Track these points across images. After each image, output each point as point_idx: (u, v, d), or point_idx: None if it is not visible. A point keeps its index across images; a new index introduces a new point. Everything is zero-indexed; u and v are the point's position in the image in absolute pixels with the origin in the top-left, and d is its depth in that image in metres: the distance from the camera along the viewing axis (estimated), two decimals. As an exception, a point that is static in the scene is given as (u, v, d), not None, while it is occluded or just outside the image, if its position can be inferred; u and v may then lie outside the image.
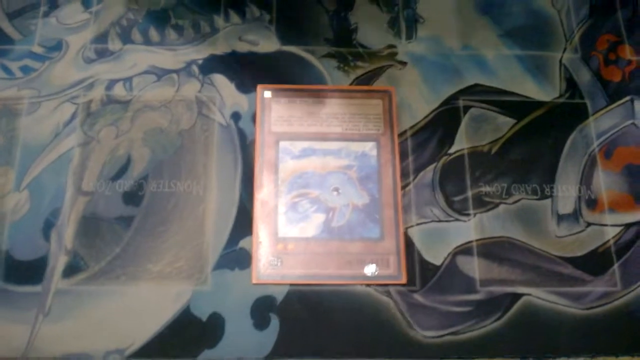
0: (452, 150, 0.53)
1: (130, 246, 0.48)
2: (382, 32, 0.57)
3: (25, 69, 0.54)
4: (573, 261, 0.50)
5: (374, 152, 0.52)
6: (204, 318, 0.47)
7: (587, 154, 0.53)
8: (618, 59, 0.57)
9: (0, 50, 0.54)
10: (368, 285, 0.48)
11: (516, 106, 0.55)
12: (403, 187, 0.51)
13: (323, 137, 0.52)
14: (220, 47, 0.55)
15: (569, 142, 0.54)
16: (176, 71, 0.54)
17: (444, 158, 0.53)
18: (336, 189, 0.50)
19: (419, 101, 0.54)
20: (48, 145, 0.51)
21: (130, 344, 0.46)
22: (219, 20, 0.56)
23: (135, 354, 0.45)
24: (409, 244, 0.50)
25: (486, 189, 0.52)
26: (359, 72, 0.55)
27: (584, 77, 0.56)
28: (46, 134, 0.51)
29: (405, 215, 0.50)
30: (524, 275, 0.49)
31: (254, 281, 0.48)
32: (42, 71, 0.54)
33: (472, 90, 0.55)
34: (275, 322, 0.47)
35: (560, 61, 0.57)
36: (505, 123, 0.54)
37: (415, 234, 0.50)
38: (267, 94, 0.53)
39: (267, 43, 0.56)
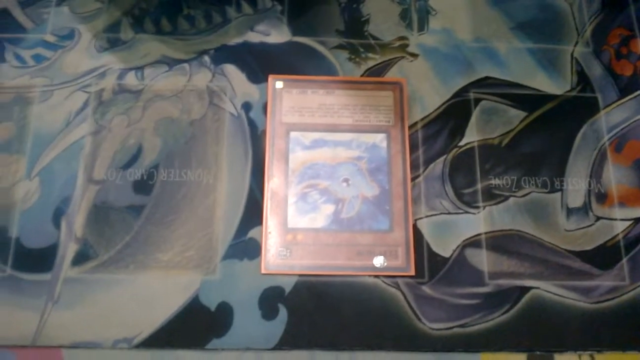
0: (462, 143, 0.51)
1: (140, 235, 0.47)
2: (394, 24, 0.55)
3: (38, 58, 0.52)
4: (582, 255, 0.48)
5: (384, 144, 0.50)
6: (213, 308, 0.45)
7: (597, 148, 0.51)
8: (630, 53, 0.55)
9: (13, 38, 0.53)
10: (376, 276, 0.47)
11: (527, 99, 0.53)
12: (413, 179, 0.50)
13: (334, 128, 0.51)
14: (232, 38, 0.54)
15: (579, 135, 0.52)
16: (188, 61, 0.53)
17: (454, 150, 0.51)
18: (346, 180, 0.49)
19: (430, 93, 0.53)
20: (59, 133, 0.50)
21: (138, 332, 0.44)
22: (231, 11, 0.55)
23: (143, 343, 0.44)
24: (418, 236, 0.48)
25: (496, 181, 0.50)
26: (370, 63, 0.53)
27: (595, 71, 0.54)
28: (58, 123, 0.50)
29: (414, 207, 0.49)
30: (533, 268, 0.48)
31: (263, 271, 0.46)
32: (55, 60, 0.52)
33: (483, 82, 0.53)
34: (283, 313, 0.45)
35: (572, 55, 0.55)
36: (516, 116, 0.52)
37: (424, 226, 0.48)
38: (279, 84, 0.52)
39: (278, 34, 0.54)
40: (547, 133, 0.52)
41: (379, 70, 0.53)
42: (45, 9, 0.54)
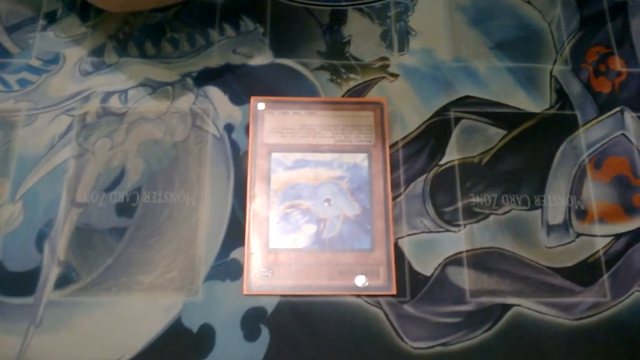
0: (442, 162, 0.51)
1: (122, 257, 0.46)
2: (375, 45, 0.55)
3: (23, 82, 0.52)
4: (563, 272, 0.48)
5: (366, 164, 0.50)
6: (195, 329, 0.45)
7: (577, 165, 0.51)
8: (608, 70, 0.55)
9: (-1, 63, 0.53)
10: (358, 296, 0.46)
11: (507, 117, 0.52)
12: (394, 198, 0.49)
13: (315, 149, 0.50)
14: (215, 60, 0.53)
15: (559, 152, 0.51)
16: (171, 84, 0.52)
17: (435, 169, 0.50)
18: (328, 200, 0.48)
19: (410, 113, 0.52)
20: (43, 156, 0.49)
21: (120, 355, 0.44)
22: (214, 34, 0.54)
23: (125, 366, 0.44)
24: (400, 254, 0.47)
25: (476, 199, 0.50)
26: (352, 84, 0.53)
27: (574, 88, 0.54)
28: (42, 146, 0.49)
29: (396, 226, 0.48)
30: (514, 286, 0.47)
31: (245, 292, 0.46)
32: (39, 84, 0.52)
33: (463, 101, 0.53)
34: (265, 334, 0.45)
35: (551, 73, 0.54)
36: (495, 134, 0.52)
37: (405, 244, 0.48)
38: (261, 105, 0.51)
39: (260, 56, 0.54)
40: (527, 151, 0.51)
41: (360, 91, 0.53)
42: (31, 34, 0.54)
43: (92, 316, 0.45)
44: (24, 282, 0.45)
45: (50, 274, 0.46)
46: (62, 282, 0.45)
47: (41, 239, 0.47)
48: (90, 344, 0.44)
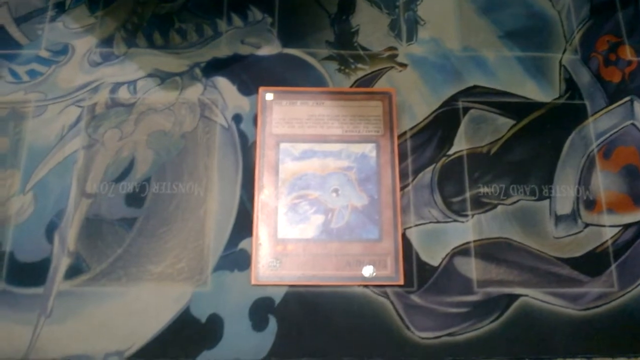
0: (451, 152, 0.50)
1: (132, 247, 0.47)
2: (383, 35, 0.55)
3: (32, 73, 0.52)
4: (571, 262, 0.48)
5: (374, 154, 0.50)
6: (204, 319, 0.45)
7: (585, 155, 0.51)
8: (618, 59, 0.54)
9: (8, 54, 0.52)
10: (365, 286, 0.46)
11: (516, 107, 0.52)
12: (402, 189, 0.49)
13: (323, 139, 0.50)
14: (223, 50, 0.53)
15: (567, 142, 0.51)
16: (179, 74, 0.52)
17: (443, 159, 0.50)
18: (336, 190, 0.48)
19: (419, 103, 0.52)
20: (53, 147, 0.49)
21: (130, 345, 0.44)
22: (222, 24, 0.54)
23: (135, 355, 0.44)
24: (407, 245, 0.47)
25: (484, 189, 0.49)
26: (360, 74, 0.53)
27: (583, 78, 0.53)
28: (52, 137, 0.50)
29: (403, 216, 0.48)
30: (522, 276, 0.47)
31: (253, 282, 0.46)
32: (49, 75, 0.52)
33: (472, 91, 0.52)
34: (273, 323, 0.45)
35: (560, 62, 0.54)
36: (504, 124, 0.51)
37: (413, 235, 0.48)
38: (269, 96, 0.51)
39: (268, 46, 0.54)
40: (536, 141, 0.51)
41: (368, 81, 0.53)
42: (40, 25, 0.54)
43: (101, 306, 0.45)
44: (34, 273, 0.46)
45: (61, 264, 0.46)
46: (72, 272, 0.46)
47: (51, 229, 0.47)
48: (100, 334, 0.44)
